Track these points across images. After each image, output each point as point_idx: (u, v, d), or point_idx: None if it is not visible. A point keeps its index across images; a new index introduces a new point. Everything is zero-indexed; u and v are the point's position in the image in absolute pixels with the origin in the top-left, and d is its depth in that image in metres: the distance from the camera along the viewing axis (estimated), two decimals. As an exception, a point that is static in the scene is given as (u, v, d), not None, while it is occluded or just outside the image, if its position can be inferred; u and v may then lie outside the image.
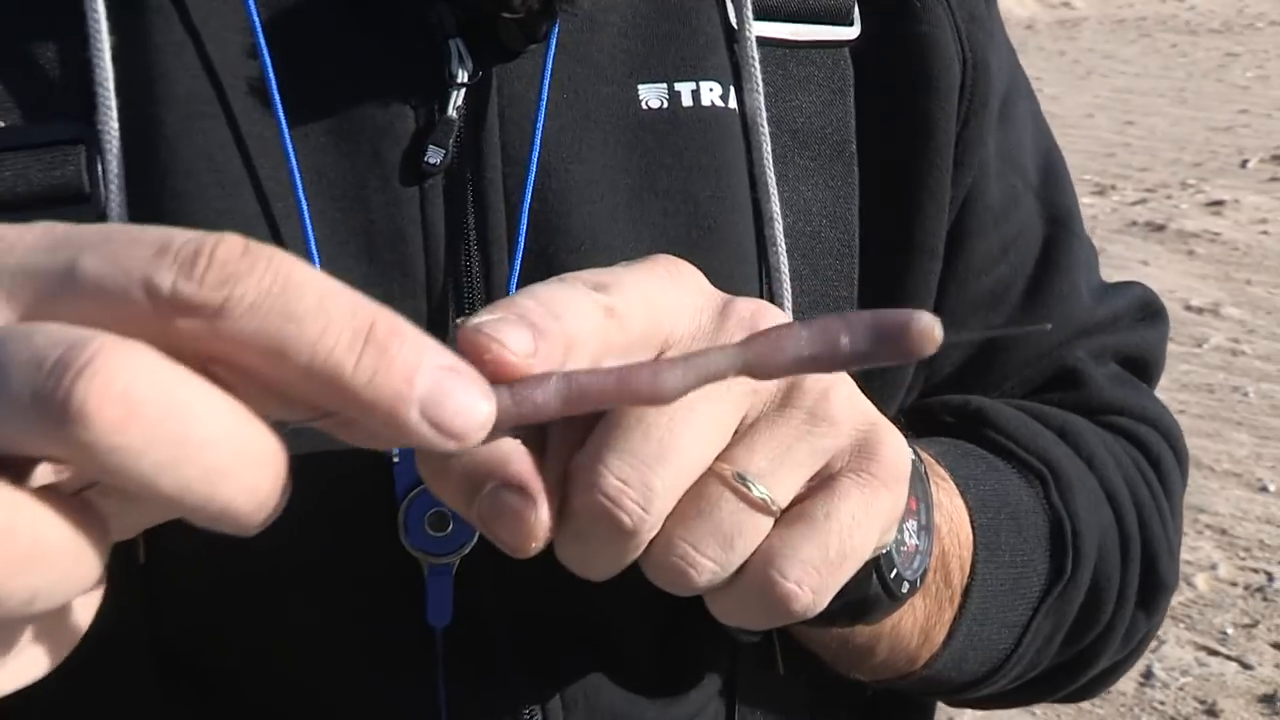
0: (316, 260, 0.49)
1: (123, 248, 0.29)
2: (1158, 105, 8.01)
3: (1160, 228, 5.26)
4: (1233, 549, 2.83)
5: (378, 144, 0.51)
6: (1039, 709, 2.28)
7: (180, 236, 0.29)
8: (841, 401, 0.41)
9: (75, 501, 0.28)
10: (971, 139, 0.61)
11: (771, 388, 0.40)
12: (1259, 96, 8.33)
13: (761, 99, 0.55)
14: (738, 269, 0.54)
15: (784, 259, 0.55)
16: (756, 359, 0.34)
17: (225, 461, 0.28)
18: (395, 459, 0.50)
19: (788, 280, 0.55)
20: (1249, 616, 2.56)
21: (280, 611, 0.51)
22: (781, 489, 0.39)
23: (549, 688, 0.53)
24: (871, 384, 0.60)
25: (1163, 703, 2.30)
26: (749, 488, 0.38)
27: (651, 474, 0.36)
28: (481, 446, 0.32)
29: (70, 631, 0.32)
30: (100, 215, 0.48)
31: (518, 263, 0.51)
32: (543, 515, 0.36)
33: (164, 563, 0.49)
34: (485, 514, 0.37)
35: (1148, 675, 2.38)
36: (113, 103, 0.48)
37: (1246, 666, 2.40)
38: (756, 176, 0.56)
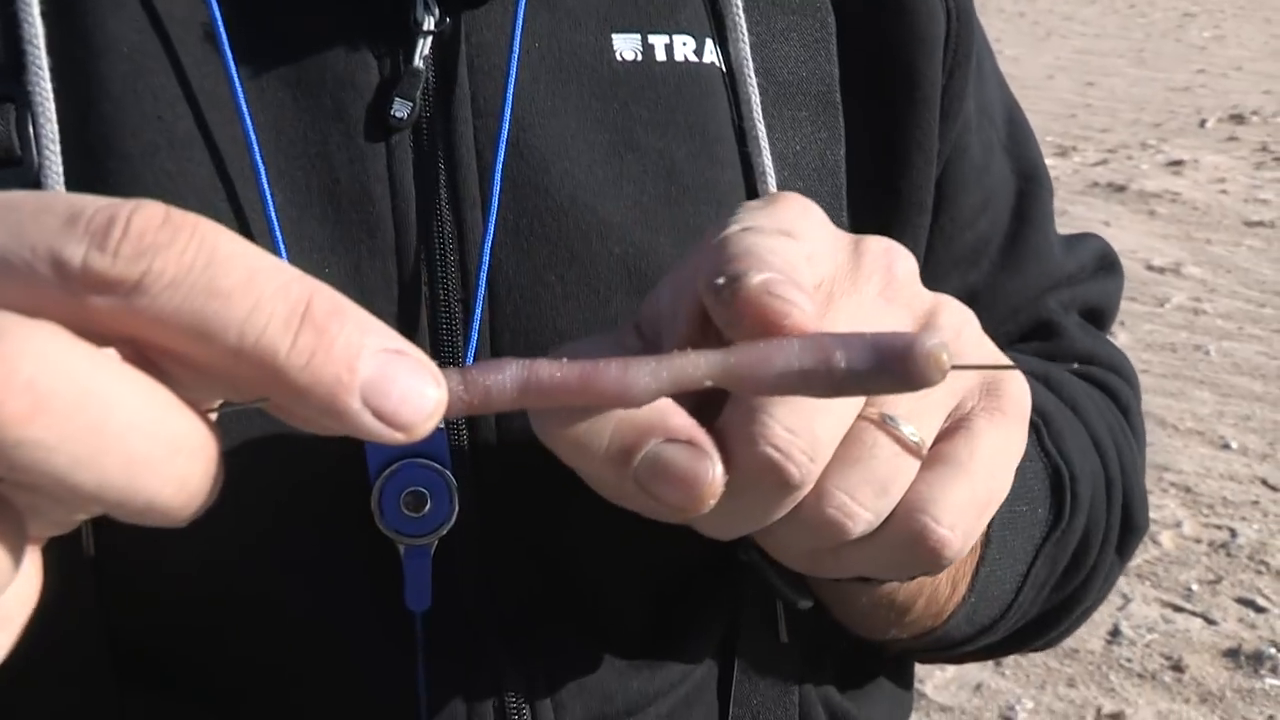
0: (276, 224, 0.47)
1: (28, 218, 0.26)
2: (1117, 66, 8.05)
3: (1121, 188, 5.29)
4: (1196, 506, 2.85)
5: (339, 97, 0.48)
6: (1009, 669, 2.30)
7: (92, 204, 0.26)
8: (972, 339, 0.40)
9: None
10: (957, 90, 0.60)
11: (911, 326, 0.39)
12: (1216, 56, 8.39)
13: (748, 49, 0.54)
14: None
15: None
16: (740, 368, 0.32)
17: (148, 452, 0.25)
18: None
19: None
20: (1213, 573, 2.59)
21: (250, 599, 0.49)
22: (926, 430, 0.38)
23: (534, 669, 0.51)
24: None
25: (1130, 660, 2.32)
26: (899, 429, 0.37)
27: (815, 421, 0.34)
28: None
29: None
30: (33, 179, 0.45)
31: (492, 221, 0.49)
32: (718, 469, 0.34)
33: (119, 553, 0.46)
34: (646, 475, 0.34)
35: (1115, 633, 2.40)
36: (44, 60, 0.46)
37: (1211, 622, 2.43)
38: (746, 130, 0.54)
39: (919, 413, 0.38)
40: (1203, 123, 6.46)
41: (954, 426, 0.39)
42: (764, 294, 0.33)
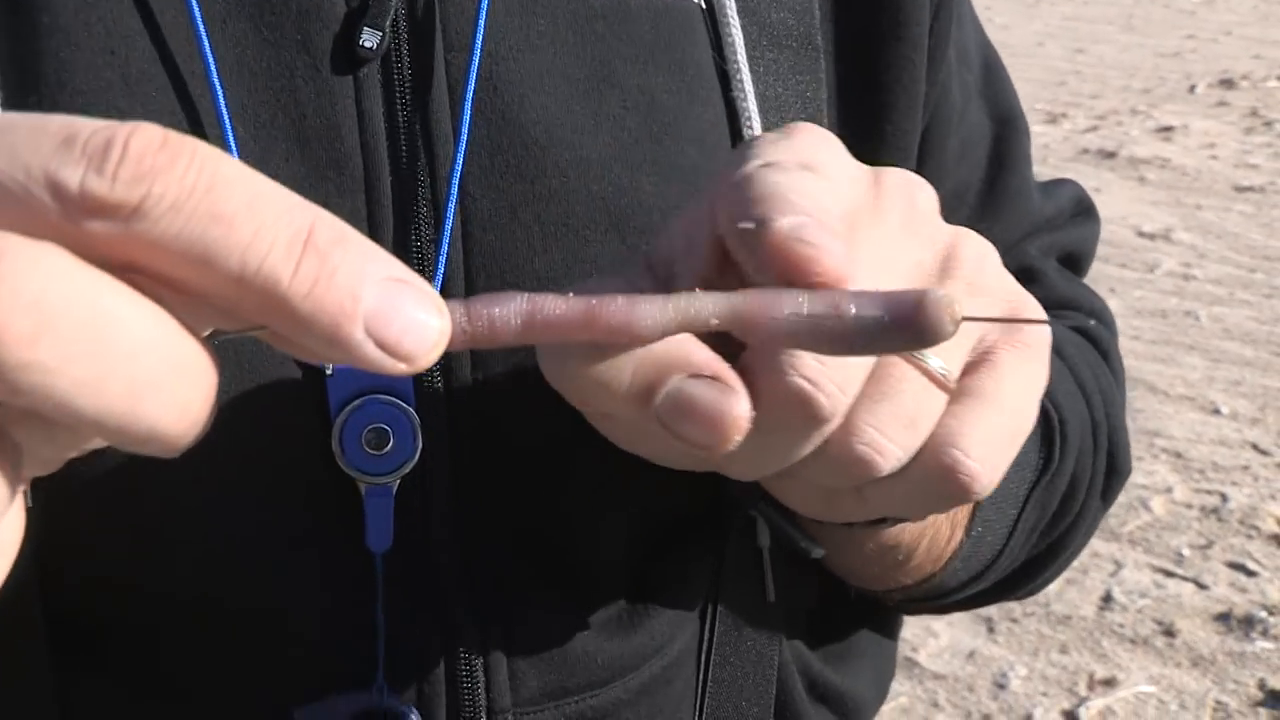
0: (236, 156, 0.44)
1: (22, 139, 0.25)
2: (1106, 33, 8.01)
3: (1111, 154, 5.28)
4: (1187, 471, 2.86)
5: (305, 27, 0.46)
6: (1002, 636, 2.31)
7: (88, 126, 0.25)
8: (994, 271, 0.39)
9: None
10: (943, 32, 0.59)
11: (931, 260, 0.38)
12: (1204, 21, 8.36)
13: None
14: (702, 164, 0.51)
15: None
16: (749, 312, 0.31)
17: (152, 376, 0.25)
18: (329, 371, 0.46)
19: None
20: (1204, 538, 2.60)
21: (204, 539, 0.47)
22: (953, 363, 0.37)
23: (494, 630, 0.49)
24: None
25: (1122, 625, 2.33)
26: (927, 363, 0.36)
27: None
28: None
29: None
30: None
31: (460, 154, 0.47)
32: (745, 404, 0.33)
33: (63, 500, 0.43)
34: (670, 412, 0.33)
35: (1107, 598, 2.41)
36: None
37: (1202, 587, 2.43)
38: (729, 72, 0.52)
39: (944, 346, 0.37)
40: (1192, 88, 6.44)
41: (978, 360, 0.39)
42: (793, 239, 0.32)
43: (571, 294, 0.30)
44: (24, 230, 0.24)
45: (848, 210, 0.37)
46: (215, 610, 0.48)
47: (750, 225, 0.33)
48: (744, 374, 0.34)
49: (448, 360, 0.47)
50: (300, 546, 0.48)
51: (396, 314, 0.26)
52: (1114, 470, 0.63)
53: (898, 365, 0.36)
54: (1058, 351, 0.61)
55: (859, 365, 0.35)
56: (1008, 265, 0.65)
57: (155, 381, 0.25)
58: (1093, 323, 0.65)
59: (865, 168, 0.40)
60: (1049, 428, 0.58)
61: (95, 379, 0.24)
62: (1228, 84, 6.49)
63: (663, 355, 0.33)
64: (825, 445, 0.36)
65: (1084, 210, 0.72)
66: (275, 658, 0.49)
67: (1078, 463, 0.59)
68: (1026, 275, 0.66)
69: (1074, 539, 0.63)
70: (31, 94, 0.44)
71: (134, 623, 0.49)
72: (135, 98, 0.45)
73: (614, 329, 0.30)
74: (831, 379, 0.34)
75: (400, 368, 0.26)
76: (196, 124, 0.45)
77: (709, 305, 0.31)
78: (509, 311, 0.29)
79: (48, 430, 0.26)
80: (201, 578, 0.48)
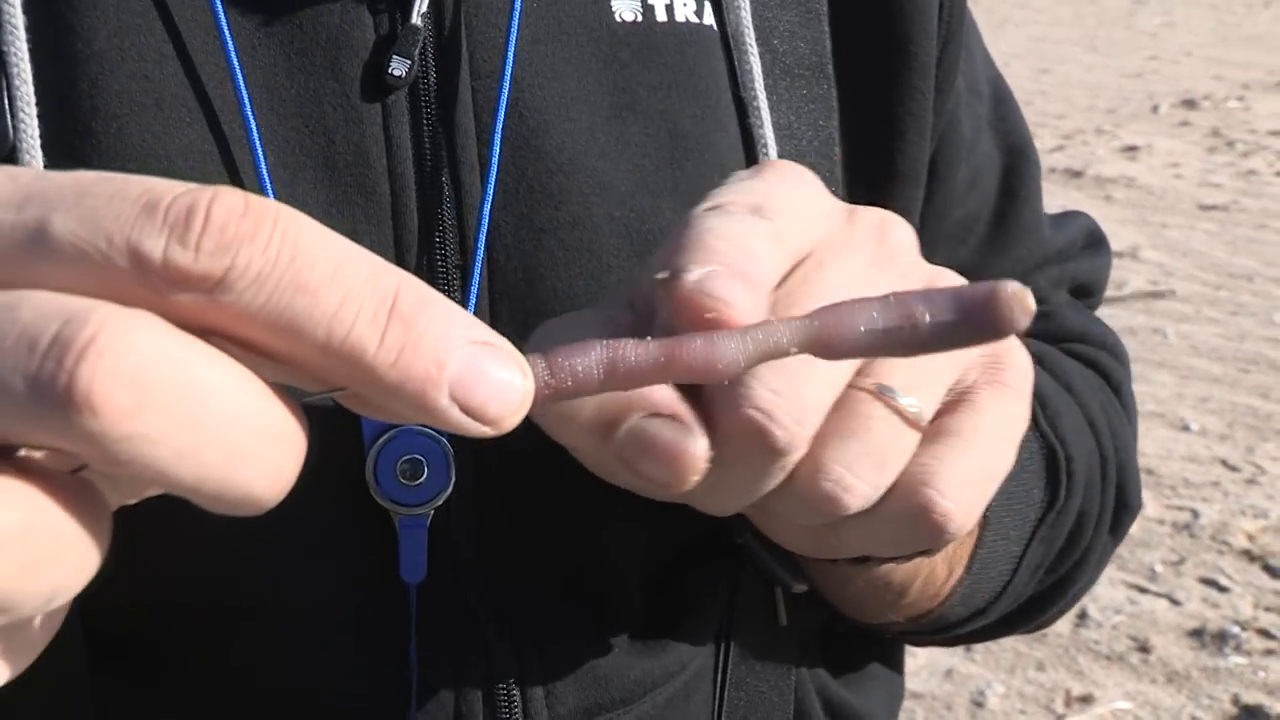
0: (269, 186, 0.45)
1: (103, 204, 0.24)
2: (1071, 53, 8.12)
3: (1078, 174, 5.34)
4: (1159, 488, 2.89)
5: (334, 55, 0.46)
6: (979, 654, 2.31)
7: (168, 191, 0.25)
8: None
9: (79, 486, 0.25)
10: (950, 63, 0.59)
11: None
12: (1166, 43, 8.49)
13: (748, 16, 0.52)
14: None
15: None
16: (825, 332, 0.31)
17: (247, 443, 0.25)
18: None
19: None
20: (1176, 554, 2.62)
21: (240, 570, 0.47)
22: (927, 402, 0.37)
23: (528, 653, 0.50)
24: None
25: (1098, 642, 2.35)
26: (897, 401, 0.36)
27: (803, 384, 0.33)
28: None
29: (57, 617, 0.28)
30: (7, 141, 0.43)
31: (491, 184, 0.47)
32: (702, 443, 0.33)
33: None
34: (630, 450, 0.33)
35: (1082, 616, 2.42)
36: (19, 18, 0.44)
37: (1175, 602, 2.45)
38: (746, 100, 0.52)
39: (919, 384, 0.37)
40: (1155, 108, 6.53)
41: (957, 399, 0.38)
42: (698, 291, 0.32)
43: (650, 339, 0.30)
44: (110, 295, 0.24)
45: (818, 243, 0.38)
46: (249, 638, 0.48)
47: (665, 274, 0.33)
48: (704, 408, 0.34)
49: None
50: (334, 577, 0.48)
51: (482, 378, 0.26)
52: (1123, 505, 0.63)
53: (866, 402, 0.36)
54: (1068, 387, 0.61)
55: (819, 395, 0.35)
56: None
57: (251, 448, 0.25)
58: (1104, 355, 0.66)
59: (841, 204, 0.40)
60: (1055, 465, 0.58)
61: (194, 448, 0.24)
62: (1190, 104, 6.59)
63: (624, 393, 0.33)
64: (793, 481, 0.36)
65: (1095, 242, 0.72)
66: (309, 687, 0.49)
67: (1084, 500, 0.59)
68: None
69: (1083, 574, 0.63)
70: (67, 118, 0.44)
71: (169, 650, 0.48)
72: (168, 122, 0.45)
73: (695, 370, 0.30)
74: (788, 411, 0.34)
75: (486, 431, 0.26)
76: (227, 149, 0.45)
77: (785, 333, 0.31)
78: (590, 362, 0.29)
79: (132, 485, 0.26)
80: (235, 607, 0.48)
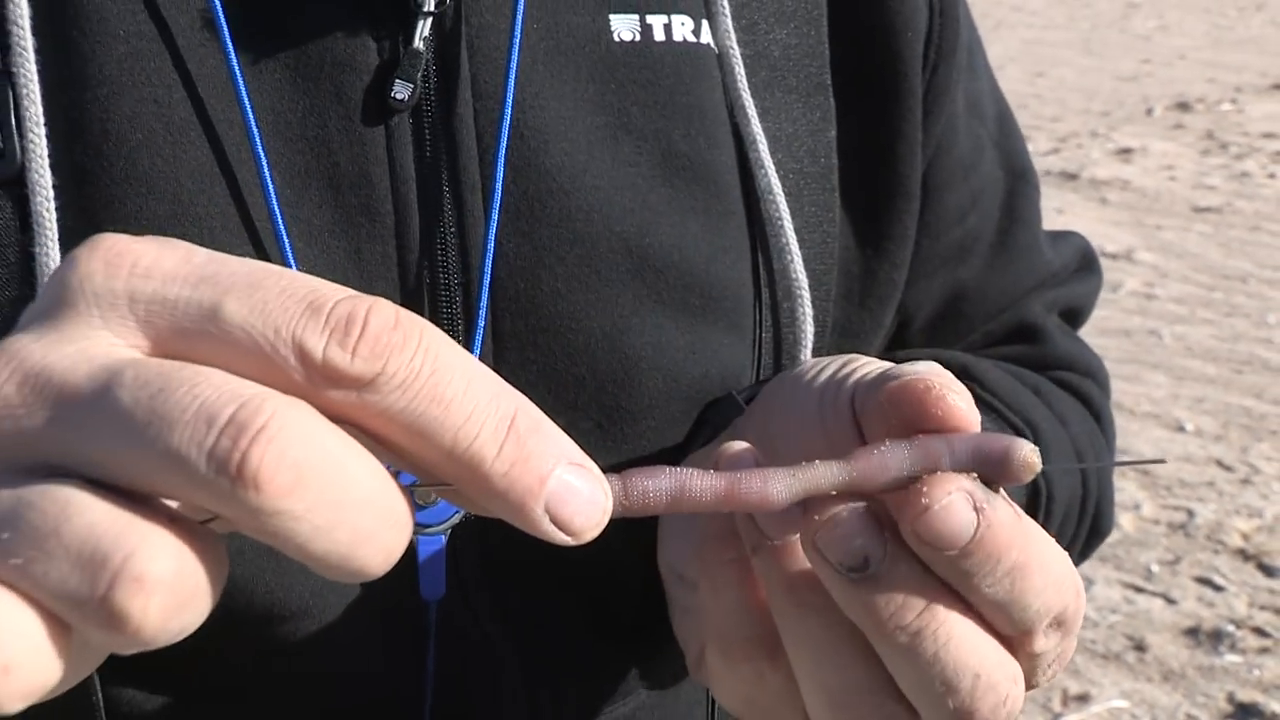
0: (276, 208, 0.46)
1: (272, 298, 0.28)
2: (1066, 56, 8.15)
3: (1073, 176, 5.36)
4: (1155, 488, 2.90)
5: (339, 79, 0.48)
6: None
7: (332, 295, 0.28)
8: None
9: (209, 536, 0.28)
10: (940, 87, 0.60)
11: None
12: (1160, 46, 8.52)
13: (730, 25, 0.54)
14: (714, 204, 0.53)
15: (775, 181, 0.54)
16: (861, 476, 0.34)
17: (372, 526, 0.28)
18: None
19: (783, 201, 0.54)
20: (1172, 553, 2.63)
21: (262, 588, 0.48)
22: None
23: (536, 657, 0.52)
24: (849, 332, 0.60)
25: (1094, 641, 2.36)
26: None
27: None
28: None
29: None
30: (16, 162, 0.45)
31: (497, 202, 0.48)
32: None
33: None
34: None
35: (1078, 615, 2.43)
36: (29, 40, 0.45)
37: (1171, 601, 2.47)
38: (733, 101, 0.54)
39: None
40: (1150, 111, 6.56)
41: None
42: (931, 383, 0.36)
43: (712, 472, 0.34)
44: (269, 380, 0.28)
45: None
46: (271, 656, 0.50)
47: (894, 381, 0.37)
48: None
49: None
50: (355, 595, 0.49)
51: (574, 496, 0.29)
52: (1095, 532, 0.65)
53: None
54: (1063, 423, 0.62)
55: None
56: (1010, 319, 0.67)
57: (373, 530, 0.28)
58: (1017, 349, 0.67)
59: None
60: (1035, 506, 0.59)
61: (330, 526, 0.27)
62: (1184, 107, 6.62)
63: None
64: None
65: (1087, 264, 0.73)
66: (331, 703, 0.51)
67: (1059, 534, 0.61)
68: (1029, 332, 0.67)
69: None
70: (77, 141, 0.46)
71: (188, 676, 0.50)
72: (178, 145, 0.46)
73: (751, 503, 0.34)
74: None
75: (568, 540, 0.30)
76: (234, 171, 0.47)
77: (828, 475, 0.34)
78: (661, 486, 0.33)
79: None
80: (257, 625, 0.49)
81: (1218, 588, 2.51)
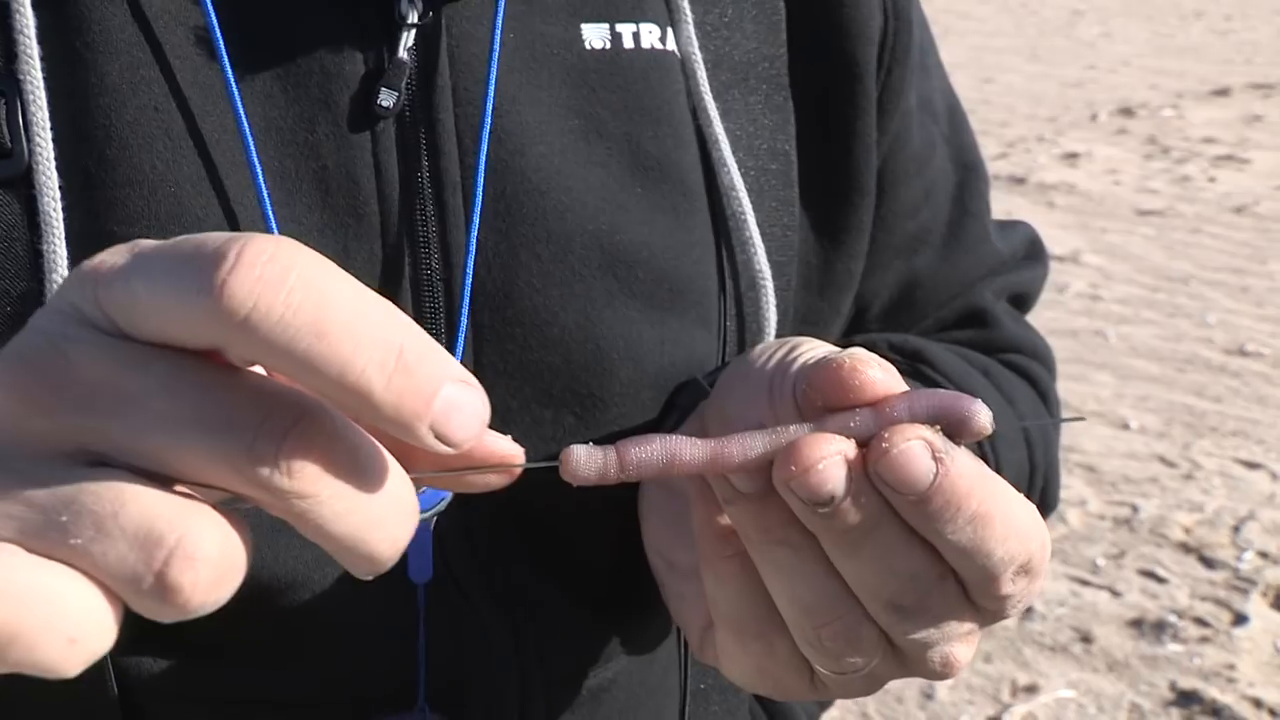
0: (269, 207, 0.49)
1: (164, 257, 0.30)
2: (1013, 62, 8.27)
3: (1021, 180, 5.46)
4: (1100, 485, 2.97)
5: (327, 87, 0.50)
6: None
7: (214, 239, 0.30)
8: None
9: (240, 517, 0.31)
10: (894, 89, 0.63)
11: None
12: (1104, 53, 8.67)
13: (692, 30, 0.56)
14: (681, 202, 0.56)
15: (738, 178, 0.56)
16: (828, 429, 0.38)
17: (382, 513, 0.31)
18: None
19: (745, 197, 0.57)
20: (1117, 547, 2.70)
21: (258, 560, 0.50)
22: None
23: (523, 631, 0.55)
24: (809, 320, 0.63)
25: (1042, 634, 2.42)
26: None
27: None
28: None
29: None
30: (23, 164, 0.47)
31: (478, 204, 0.51)
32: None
33: None
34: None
35: (1028, 610, 2.49)
36: (34, 49, 0.47)
37: (1116, 594, 2.53)
38: (696, 104, 0.57)
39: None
40: (1094, 116, 6.68)
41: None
42: (853, 366, 0.40)
43: (698, 440, 0.37)
44: (183, 328, 0.30)
45: None
46: (265, 640, 0.52)
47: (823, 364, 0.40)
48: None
49: None
50: (346, 579, 0.52)
51: (456, 413, 0.31)
52: (1043, 506, 0.68)
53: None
54: (1010, 401, 0.66)
55: None
56: (961, 305, 0.71)
57: (383, 518, 0.31)
58: (968, 334, 0.71)
59: None
60: None
61: (347, 512, 0.31)
62: (1127, 112, 6.75)
63: None
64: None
65: (1035, 253, 0.77)
66: (323, 684, 0.53)
67: None
68: (979, 317, 0.71)
69: None
70: (83, 145, 0.48)
71: (201, 669, 0.52)
72: (177, 151, 0.49)
73: (733, 463, 0.37)
74: None
75: (450, 452, 0.32)
76: (230, 175, 0.49)
77: (796, 433, 0.38)
78: (654, 456, 0.36)
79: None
80: (257, 596, 0.51)
81: (1161, 580, 2.57)
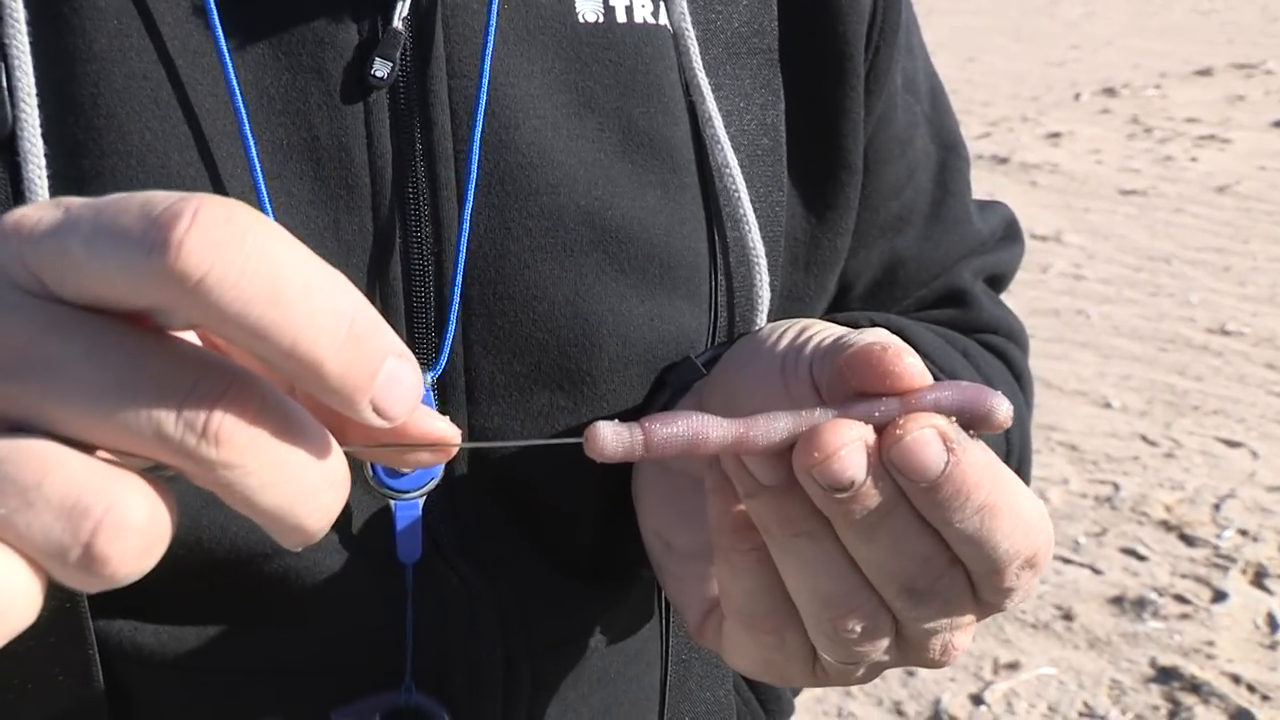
0: (261, 178, 0.48)
1: (109, 217, 0.28)
2: (996, 42, 8.28)
3: (1004, 160, 5.47)
4: (1082, 463, 2.99)
5: (320, 55, 0.49)
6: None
7: (164, 199, 0.29)
8: None
9: (165, 484, 0.30)
10: (882, 67, 0.63)
11: None
12: (1087, 33, 8.68)
13: (685, 4, 0.56)
14: (672, 178, 0.55)
15: (731, 155, 0.56)
16: (851, 419, 0.38)
17: (312, 484, 0.30)
18: None
19: (739, 174, 0.56)
20: (1098, 525, 2.72)
21: (242, 551, 0.50)
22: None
23: (508, 603, 0.55)
24: (795, 296, 0.63)
25: (1024, 611, 2.43)
26: None
27: None
28: None
29: None
30: (6, 128, 0.46)
31: (472, 178, 0.50)
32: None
33: None
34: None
35: (1009, 587, 2.50)
36: (20, 13, 0.46)
37: (1098, 572, 2.55)
38: (689, 80, 0.56)
39: None
40: (1077, 96, 6.69)
41: None
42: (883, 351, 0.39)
43: (724, 420, 0.37)
44: (122, 288, 0.29)
45: None
46: (252, 616, 0.52)
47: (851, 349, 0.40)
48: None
49: (457, 389, 0.52)
50: (334, 559, 0.52)
51: (397, 387, 0.31)
52: None
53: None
54: (988, 382, 0.65)
55: None
56: (940, 285, 0.71)
57: (315, 489, 0.31)
58: (946, 313, 0.71)
59: None
60: None
61: (276, 483, 0.30)
62: (1110, 92, 6.77)
63: None
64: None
65: (1012, 234, 0.77)
66: (310, 662, 0.53)
67: None
68: (958, 297, 0.71)
69: None
70: (69, 113, 0.47)
71: (184, 637, 0.52)
72: (165, 119, 0.48)
73: (759, 444, 0.37)
74: None
75: (384, 424, 0.31)
76: (220, 144, 0.48)
77: (823, 416, 0.38)
78: (678, 434, 0.36)
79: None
80: (246, 593, 0.51)
81: (1141, 557, 2.59)
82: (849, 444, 0.36)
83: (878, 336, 0.39)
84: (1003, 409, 0.37)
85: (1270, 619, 2.37)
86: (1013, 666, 2.27)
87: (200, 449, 0.28)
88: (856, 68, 0.61)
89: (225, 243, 0.28)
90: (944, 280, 0.71)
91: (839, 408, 0.38)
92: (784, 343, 0.46)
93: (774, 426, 0.37)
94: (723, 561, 0.43)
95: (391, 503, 0.51)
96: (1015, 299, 3.97)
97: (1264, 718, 2.10)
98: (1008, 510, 0.37)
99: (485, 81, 0.51)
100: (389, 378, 0.30)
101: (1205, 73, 7.27)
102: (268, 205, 0.48)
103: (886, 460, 0.37)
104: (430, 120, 0.51)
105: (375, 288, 0.51)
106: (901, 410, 0.37)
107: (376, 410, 0.30)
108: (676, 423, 0.35)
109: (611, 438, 0.35)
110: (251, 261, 0.28)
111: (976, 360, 0.66)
